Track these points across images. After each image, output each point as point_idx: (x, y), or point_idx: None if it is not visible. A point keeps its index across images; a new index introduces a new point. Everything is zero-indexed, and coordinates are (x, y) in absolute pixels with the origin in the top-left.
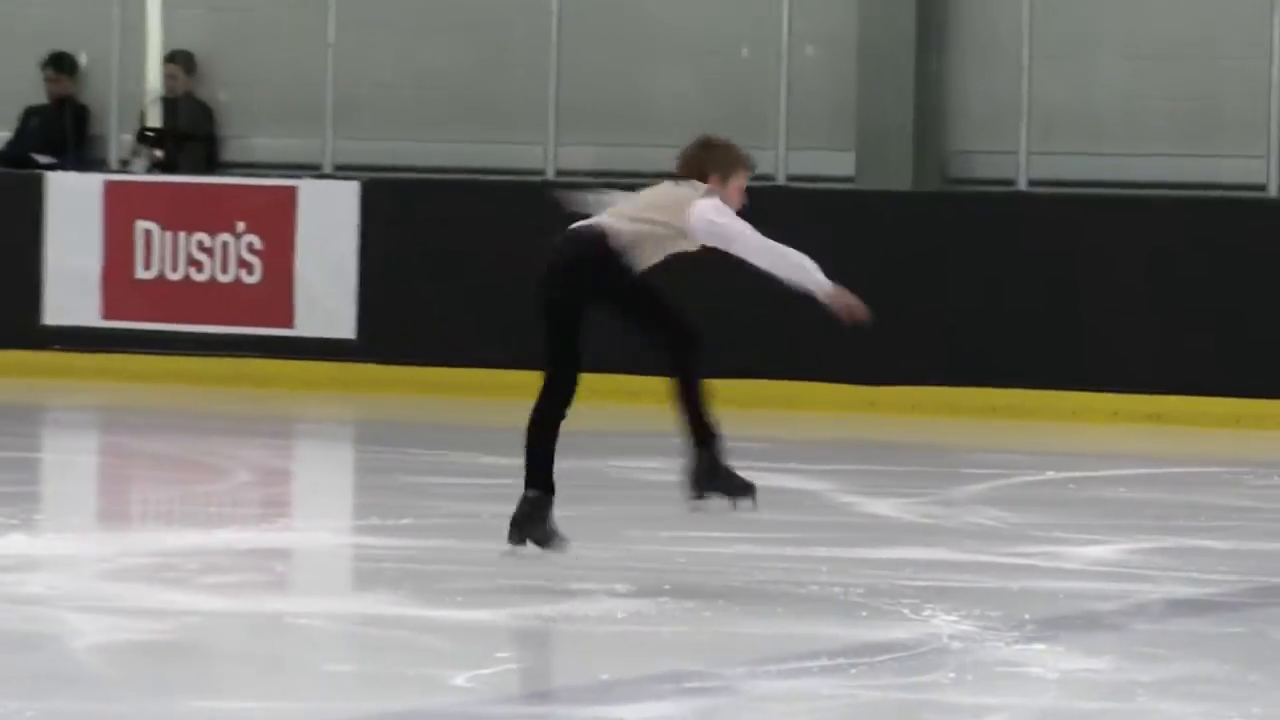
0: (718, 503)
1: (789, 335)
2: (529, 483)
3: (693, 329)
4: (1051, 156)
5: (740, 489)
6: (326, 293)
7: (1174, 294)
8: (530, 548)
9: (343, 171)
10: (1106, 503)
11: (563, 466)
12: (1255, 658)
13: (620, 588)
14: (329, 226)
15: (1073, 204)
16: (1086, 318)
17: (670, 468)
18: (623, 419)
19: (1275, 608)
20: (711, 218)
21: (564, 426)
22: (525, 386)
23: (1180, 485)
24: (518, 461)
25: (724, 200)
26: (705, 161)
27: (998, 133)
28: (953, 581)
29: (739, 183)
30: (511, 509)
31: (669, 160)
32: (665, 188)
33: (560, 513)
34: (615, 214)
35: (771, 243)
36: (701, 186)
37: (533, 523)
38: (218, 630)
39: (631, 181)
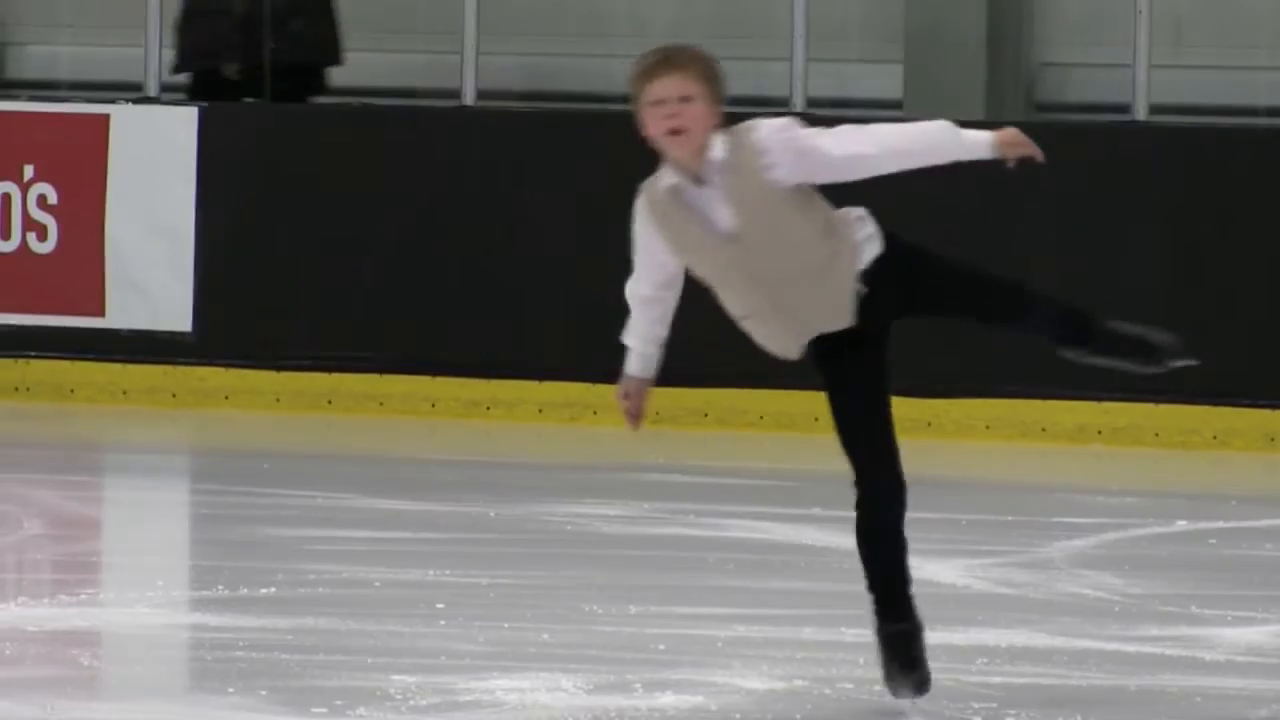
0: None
1: None
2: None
3: None
4: (1184, 71)
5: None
6: (151, 267)
7: None
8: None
9: (174, 94)
10: (1262, 565)
11: (487, 514)
12: None
13: (570, 684)
14: (155, 172)
15: (1216, 137)
16: (1235, 299)
17: (637, 514)
18: (576, 446)
19: None
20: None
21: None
22: (428, 398)
23: None
24: (421, 506)
25: (657, 145)
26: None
27: (1105, 38)
28: (1043, 678)
29: (647, 99)
30: (416, 571)
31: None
32: None
33: (490, 578)
34: None
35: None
36: None
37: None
38: None
39: (581, 107)
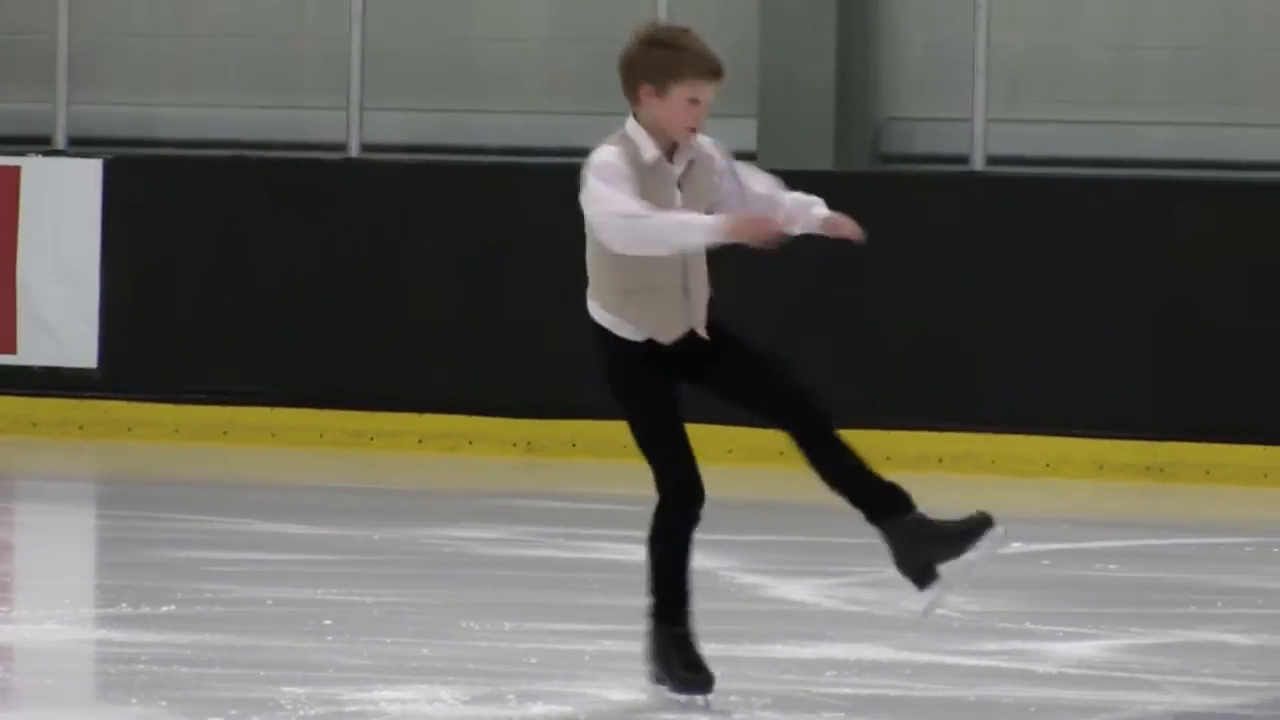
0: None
1: None
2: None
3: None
4: (1017, 125)
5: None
6: (59, 308)
7: (1180, 308)
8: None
9: (80, 146)
10: (1092, 584)
11: (372, 537)
12: None
13: (449, 696)
14: (62, 219)
15: (1045, 187)
16: (1065, 338)
17: (512, 536)
18: (454, 474)
19: None
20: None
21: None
22: (316, 429)
23: (1189, 561)
24: (311, 530)
25: (661, 123)
26: (635, 67)
27: (946, 94)
28: (889, 689)
29: (689, 93)
30: (306, 590)
31: (505, 130)
32: None
33: (374, 597)
34: None
35: (626, 211)
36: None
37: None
38: None
39: (457, 159)
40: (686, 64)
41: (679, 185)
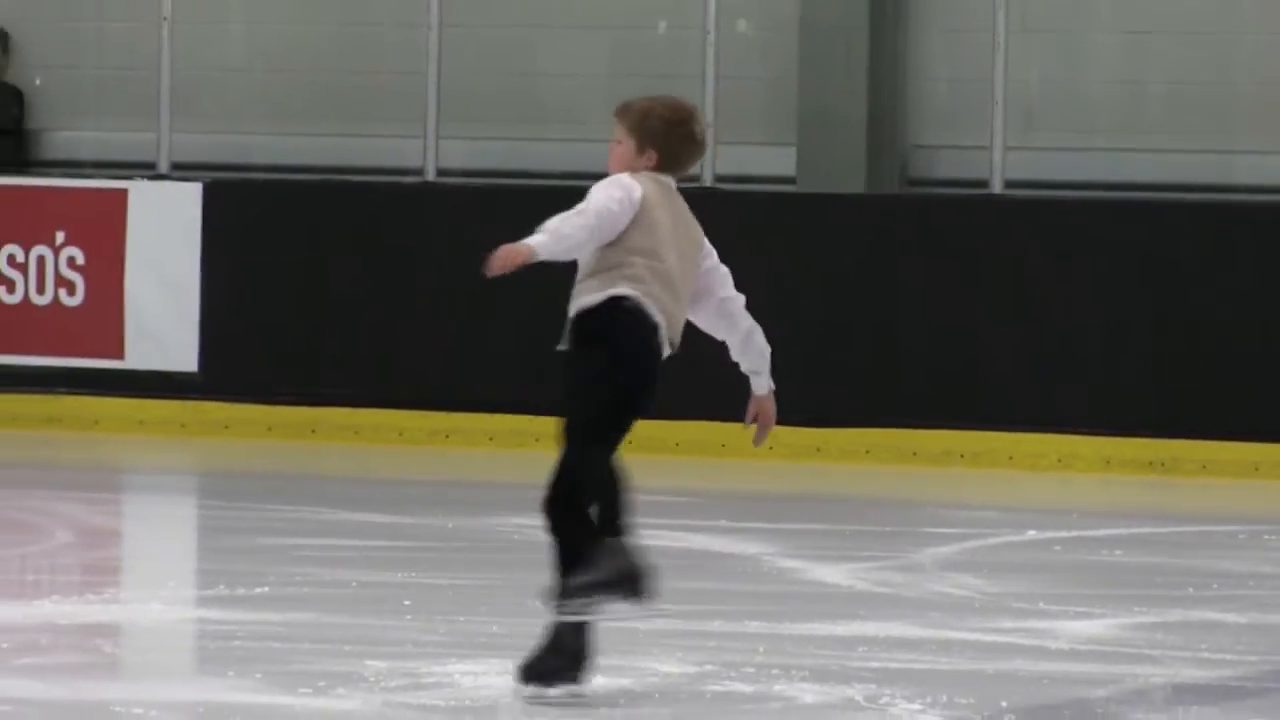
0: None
1: (713, 366)
2: None
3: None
4: (1032, 152)
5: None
6: (163, 317)
7: (1180, 317)
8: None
9: (182, 171)
10: (1099, 568)
11: (448, 525)
12: None
13: (516, 669)
14: (165, 237)
15: (1058, 209)
16: (1075, 346)
17: None
18: (522, 468)
19: None
20: None
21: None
22: (396, 428)
23: (1188, 547)
24: (392, 519)
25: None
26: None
27: (967, 124)
28: (915, 663)
29: (700, 139)
30: (388, 574)
31: (569, 157)
32: None
33: (449, 579)
34: None
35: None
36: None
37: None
38: None
39: (523, 183)
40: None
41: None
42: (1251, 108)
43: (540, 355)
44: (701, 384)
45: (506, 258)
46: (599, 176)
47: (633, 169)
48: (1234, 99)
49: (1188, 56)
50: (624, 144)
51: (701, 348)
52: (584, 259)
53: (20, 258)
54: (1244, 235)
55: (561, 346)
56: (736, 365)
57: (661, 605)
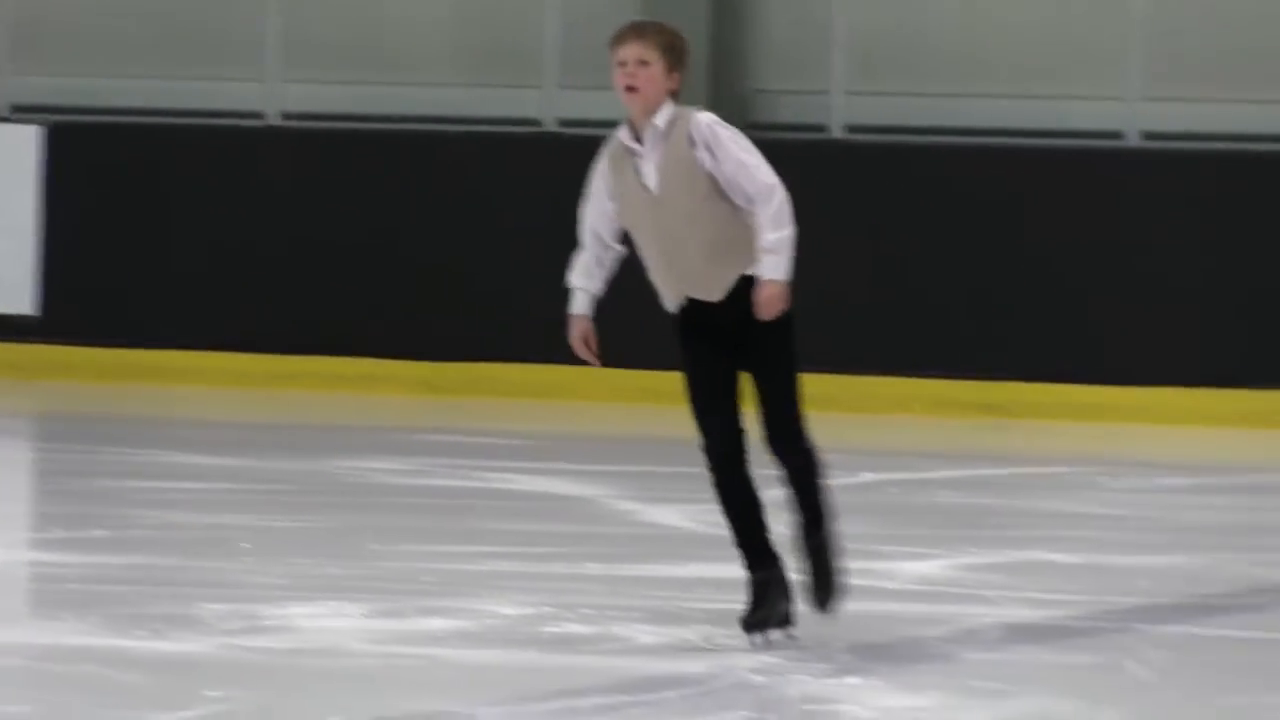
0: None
1: (548, 312)
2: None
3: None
4: (872, 98)
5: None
6: (1, 260)
7: (1017, 260)
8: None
9: (21, 114)
10: (933, 510)
11: (287, 468)
12: (1107, 692)
13: (354, 611)
14: (4, 180)
15: (898, 154)
16: (912, 288)
17: (414, 468)
18: (360, 411)
19: (1130, 633)
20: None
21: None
22: (235, 373)
23: (1020, 489)
24: (231, 461)
25: None
26: None
27: (807, 69)
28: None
29: (614, 60)
30: (227, 516)
31: (411, 102)
32: None
33: (288, 522)
34: None
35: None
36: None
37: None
38: None
39: (365, 127)
40: (611, 40)
41: (656, 164)
42: (1087, 54)
43: (375, 297)
44: (538, 328)
45: (776, 302)
46: (440, 120)
47: (661, 91)
48: (1070, 46)
49: (1024, 3)
50: (653, 65)
51: (543, 291)
52: (724, 217)
53: None
54: (1077, 178)
55: (713, 298)
56: (566, 310)
57: None
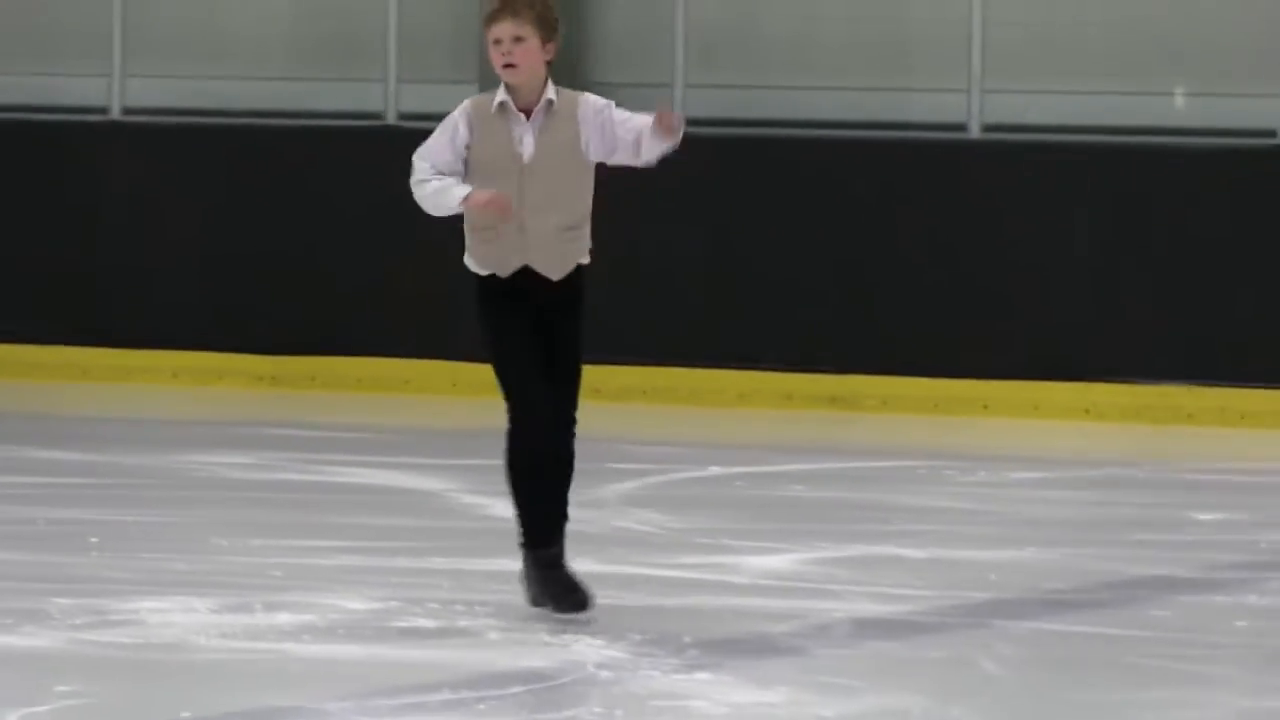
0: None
1: (394, 307)
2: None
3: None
4: (712, 90)
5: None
6: None
7: (861, 253)
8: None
9: None
10: (781, 504)
11: (132, 463)
12: (957, 688)
13: (202, 606)
14: None
15: (739, 146)
16: (750, 282)
17: (259, 462)
18: (206, 406)
19: (980, 629)
20: None
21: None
22: (80, 366)
23: (868, 482)
24: (76, 456)
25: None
26: None
27: (646, 62)
28: (599, 599)
29: (490, 39)
30: (74, 511)
31: (253, 95)
32: None
33: (135, 516)
34: None
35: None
36: None
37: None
38: None
39: (208, 121)
40: (485, 18)
41: (536, 135)
42: (926, 47)
43: (217, 291)
44: (384, 320)
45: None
46: (281, 114)
47: (539, 64)
48: (909, 38)
49: None
50: (529, 40)
51: (384, 286)
52: (584, 205)
53: None
54: (920, 172)
55: (554, 276)
56: (420, 305)
57: None
